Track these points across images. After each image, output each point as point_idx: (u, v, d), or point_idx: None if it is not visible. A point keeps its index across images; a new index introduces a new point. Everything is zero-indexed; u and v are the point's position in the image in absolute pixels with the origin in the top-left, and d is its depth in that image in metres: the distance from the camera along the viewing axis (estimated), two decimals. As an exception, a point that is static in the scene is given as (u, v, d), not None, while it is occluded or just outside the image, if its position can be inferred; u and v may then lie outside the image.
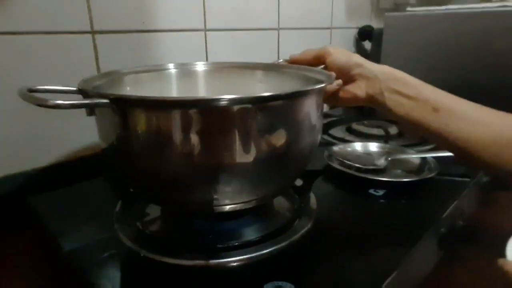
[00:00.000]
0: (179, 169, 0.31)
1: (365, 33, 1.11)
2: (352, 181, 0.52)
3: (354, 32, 1.13)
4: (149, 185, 0.35)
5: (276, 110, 0.32)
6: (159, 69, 0.51)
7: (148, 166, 0.32)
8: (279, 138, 0.33)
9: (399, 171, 0.58)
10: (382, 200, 0.49)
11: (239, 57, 0.78)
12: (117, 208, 0.43)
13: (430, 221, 0.43)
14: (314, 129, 0.37)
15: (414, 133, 0.46)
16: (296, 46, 0.93)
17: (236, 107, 0.29)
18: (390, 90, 0.46)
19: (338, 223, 0.44)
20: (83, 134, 0.57)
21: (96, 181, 0.53)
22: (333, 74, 0.48)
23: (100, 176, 0.53)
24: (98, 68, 0.58)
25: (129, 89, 0.47)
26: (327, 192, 0.51)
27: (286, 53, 0.82)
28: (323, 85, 0.35)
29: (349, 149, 0.63)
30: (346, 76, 0.48)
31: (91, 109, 0.32)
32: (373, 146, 0.65)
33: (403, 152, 0.62)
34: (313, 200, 0.46)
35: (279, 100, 0.32)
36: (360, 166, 0.55)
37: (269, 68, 0.52)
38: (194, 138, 0.30)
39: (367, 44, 1.16)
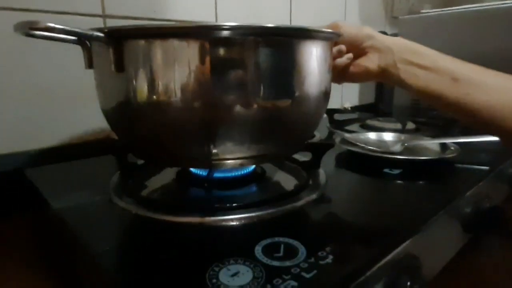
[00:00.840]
0: (177, 111, 0.29)
1: (379, 39, 1.09)
2: (366, 161, 0.49)
3: (368, 39, 1.12)
4: (146, 134, 0.33)
5: (282, 48, 0.30)
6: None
7: (145, 110, 0.30)
8: (284, 84, 0.31)
9: (417, 157, 0.54)
10: (397, 181, 0.45)
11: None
12: (114, 178, 0.42)
13: (450, 200, 0.39)
14: (321, 83, 0.35)
15: (432, 105, 0.43)
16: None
17: (238, 37, 0.27)
18: (404, 61, 0.43)
19: (346, 199, 0.40)
20: (89, 119, 0.56)
21: (98, 160, 0.51)
22: (343, 48, 0.46)
23: (102, 155, 0.52)
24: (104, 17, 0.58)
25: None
26: (339, 172, 0.48)
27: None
28: (331, 32, 0.33)
29: (362, 137, 0.60)
30: (357, 49, 0.46)
31: (88, 54, 0.31)
32: (388, 136, 0.61)
33: (421, 139, 0.58)
34: (322, 177, 0.43)
35: (285, 35, 0.30)
36: (374, 148, 0.52)
37: None
38: (194, 74, 0.28)
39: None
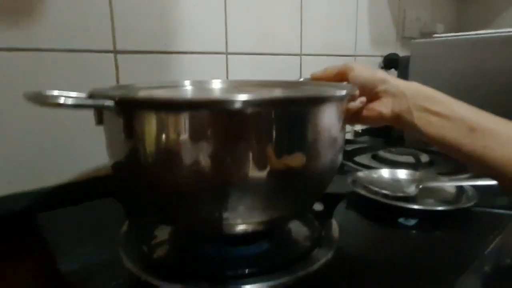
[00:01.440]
0: (187, 179, 0.28)
1: (390, 61, 1.08)
2: (380, 209, 0.48)
3: (379, 60, 1.11)
4: (155, 198, 0.32)
5: (294, 115, 0.29)
6: (175, 86, 0.50)
7: (155, 176, 0.29)
8: (297, 149, 0.30)
9: (431, 200, 0.53)
10: (413, 231, 0.44)
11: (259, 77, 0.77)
12: (124, 228, 0.41)
13: (471, 257, 0.37)
14: (335, 142, 0.34)
15: (446, 154, 0.42)
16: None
17: (251, 109, 0.27)
18: (419, 107, 0.42)
19: (363, 256, 0.39)
20: (96, 154, 0.56)
21: (106, 201, 0.51)
22: (357, 102, 0.45)
23: (111, 197, 0.51)
24: (116, 68, 0.58)
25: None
26: (351, 220, 0.47)
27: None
28: (344, 91, 0.32)
29: (375, 175, 0.59)
30: (370, 92, 0.45)
31: (98, 114, 0.30)
32: (402, 173, 0.59)
33: (436, 180, 0.56)
34: (335, 228, 0.42)
35: (298, 104, 0.29)
36: (387, 193, 0.50)
37: (289, 86, 0.50)
38: (204, 144, 0.27)
39: (393, 73, 1.13)
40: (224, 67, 0.71)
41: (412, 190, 0.52)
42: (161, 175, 0.29)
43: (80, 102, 0.25)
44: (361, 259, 0.38)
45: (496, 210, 0.50)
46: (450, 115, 0.40)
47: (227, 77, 0.72)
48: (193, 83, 0.51)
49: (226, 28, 0.70)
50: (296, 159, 0.30)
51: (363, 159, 0.73)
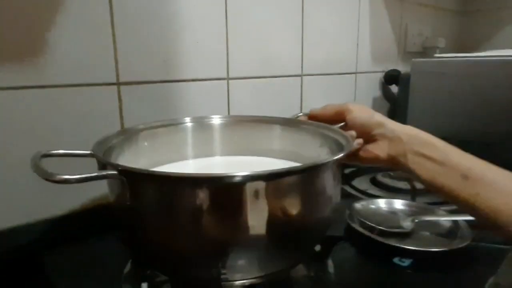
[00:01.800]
0: (185, 243, 0.30)
1: (391, 78, 1.09)
2: (375, 247, 0.49)
3: (379, 76, 1.11)
4: (155, 255, 0.33)
5: (290, 183, 0.30)
6: (176, 123, 0.51)
7: (155, 238, 0.31)
8: (293, 212, 0.31)
9: (427, 233, 0.54)
10: (408, 271, 0.45)
11: (261, 104, 0.78)
12: (126, 269, 0.42)
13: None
14: (331, 200, 0.35)
15: (440, 197, 0.43)
16: (320, 92, 0.92)
17: (247, 184, 0.28)
18: (414, 152, 0.43)
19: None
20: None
21: (110, 236, 0.52)
22: (353, 134, 0.46)
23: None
24: (121, 117, 0.59)
25: (146, 144, 0.47)
26: (347, 258, 0.48)
27: (309, 100, 0.82)
28: (340, 155, 0.33)
29: (372, 206, 0.60)
30: (367, 135, 0.46)
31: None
32: (399, 204, 0.61)
33: (432, 214, 0.57)
34: (331, 268, 0.43)
35: (293, 175, 0.30)
36: (383, 229, 0.51)
37: (288, 123, 0.51)
38: (202, 213, 0.28)
39: (394, 88, 1.14)
40: (226, 92, 0.72)
41: (408, 225, 0.53)
42: (160, 238, 0.30)
43: (85, 176, 0.27)
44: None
45: (490, 245, 0.51)
46: (444, 161, 0.41)
47: (228, 102, 0.73)
48: (193, 120, 0.52)
49: (227, 54, 0.71)
50: (292, 221, 0.31)
51: (361, 183, 0.74)
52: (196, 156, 0.52)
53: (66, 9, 0.51)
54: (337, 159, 0.33)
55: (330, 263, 0.44)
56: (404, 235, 0.51)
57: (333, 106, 0.50)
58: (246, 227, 0.29)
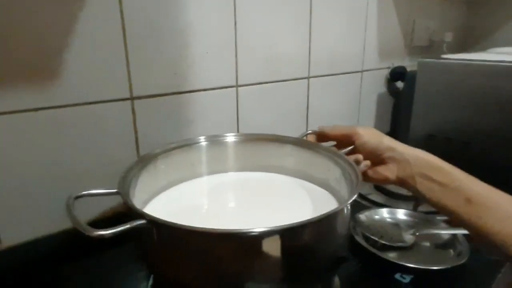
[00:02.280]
0: (206, 283, 0.33)
1: (397, 75, 1.09)
2: (378, 262, 0.52)
3: (385, 72, 1.11)
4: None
5: (304, 232, 0.33)
6: (191, 143, 0.53)
7: (178, 276, 0.34)
8: (306, 253, 0.34)
9: (427, 244, 0.57)
10: (409, 287, 0.48)
11: (269, 109, 0.79)
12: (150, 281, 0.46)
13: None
14: (342, 234, 0.37)
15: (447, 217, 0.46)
16: (326, 93, 0.93)
17: (264, 238, 0.30)
18: (421, 175, 0.46)
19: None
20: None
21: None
22: (360, 157, 0.48)
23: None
24: (135, 131, 0.61)
25: (163, 168, 0.49)
26: (352, 273, 0.51)
27: (316, 102, 0.83)
28: (352, 199, 0.35)
29: (376, 216, 0.63)
30: (377, 158, 0.48)
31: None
32: (401, 214, 0.64)
33: (432, 226, 0.60)
34: (337, 284, 0.46)
35: (308, 228, 0.32)
36: (386, 243, 0.55)
37: (299, 143, 0.53)
38: (222, 260, 0.31)
39: (399, 83, 1.14)
40: (235, 99, 0.74)
41: (409, 238, 0.56)
42: (183, 277, 0.33)
43: (118, 230, 0.29)
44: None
45: (487, 259, 0.54)
46: (449, 184, 0.44)
47: (237, 108, 0.74)
48: (207, 139, 0.54)
49: (236, 62, 0.72)
50: (306, 260, 0.34)
51: (366, 189, 0.77)
52: (210, 173, 0.55)
53: (78, 30, 0.52)
54: (348, 206, 0.35)
55: (336, 280, 0.47)
56: (406, 248, 0.55)
57: (341, 129, 0.52)
58: (262, 270, 0.32)
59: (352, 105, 1.05)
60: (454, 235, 0.57)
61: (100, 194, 0.37)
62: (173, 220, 0.40)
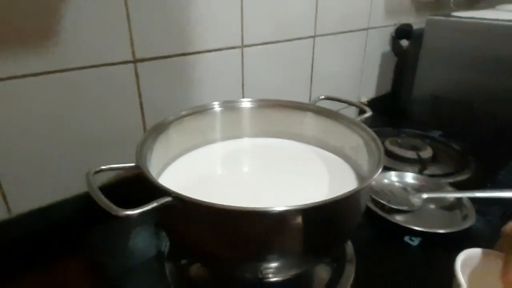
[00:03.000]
0: (231, 255, 0.33)
1: (403, 32, 1.06)
2: (387, 225, 0.53)
3: (390, 30, 1.08)
4: (200, 257, 0.37)
5: (325, 212, 0.32)
6: (203, 110, 0.51)
7: (203, 247, 0.34)
8: (327, 228, 0.34)
9: (433, 206, 0.59)
10: (418, 250, 0.50)
11: (275, 70, 0.77)
12: (167, 247, 0.46)
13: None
14: (362, 207, 0.38)
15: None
16: (331, 52, 0.90)
17: (287, 215, 0.30)
18: None
19: (378, 278, 0.45)
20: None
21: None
22: None
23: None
24: (139, 95, 0.58)
25: (175, 136, 0.48)
26: (362, 237, 0.52)
27: (321, 61, 0.81)
28: (373, 178, 0.35)
29: (385, 180, 0.64)
30: None
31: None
32: (409, 177, 0.65)
33: (439, 190, 0.62)
34: (350, 248, 0.48)
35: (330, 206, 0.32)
36: (394, 207, 0.56)
37: (319, 111, 0.51)
38: (245, 235, 0.31)
39: (404, 41, 1.11)
40: (240, 60, 0.71)
41: (416, 201, 0.58)
42: (208, 248, 0.33)
43: (145, 210, 0.28)
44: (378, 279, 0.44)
45: (493, 223, 0.55)
46: None
47: (242, 69, 0.72)
48: (222, 104, 0.52)
49: (242, 22, 0.68)
50: (327, 235, 0.34)
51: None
52: (224, 139, 0.54)
53: (77, -13, 0.47)
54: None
55: (349, 244, 0.48)
56: (414, 211, 0.56)
57: None
58: (285, 243, 0.32)
59: (356, 65, 1.02)
60: (460, 198, 0.58)
61: (119, 168, 0.36)
62: (191, 192, 0.40)
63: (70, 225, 0.54)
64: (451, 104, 0.95)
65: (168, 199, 0.30)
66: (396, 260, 0.49)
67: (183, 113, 0.48)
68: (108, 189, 0.56)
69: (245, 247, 0.32)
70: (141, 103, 0.59)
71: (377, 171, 0.35)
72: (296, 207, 0.29)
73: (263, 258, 0.33)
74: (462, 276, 0.33)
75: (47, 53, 0.48)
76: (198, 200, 0.29)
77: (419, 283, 0.45)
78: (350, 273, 0.44)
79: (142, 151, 0.37)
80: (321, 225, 0.32)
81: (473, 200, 0.57)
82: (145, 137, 0.40)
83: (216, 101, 0.55)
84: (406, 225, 0.52)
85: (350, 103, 0.55)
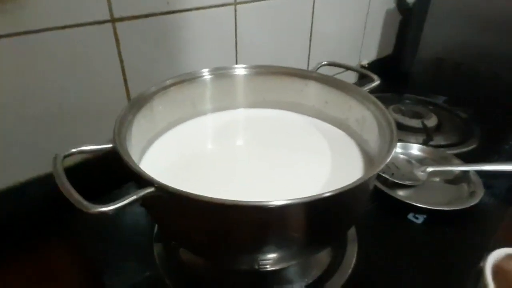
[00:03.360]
0: (224, 247, 0.30)
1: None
2: (391, 202, 0.50)
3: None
4: (191, 247, 0.33)
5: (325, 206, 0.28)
6: (192, 78, 0.45)
7: (192, 238, 0.30)
8: (330, 217, 0.31)
9: (437, 179, 0.56)
10: (422, 227, 0.47)
11: (269, 32, 0.70)
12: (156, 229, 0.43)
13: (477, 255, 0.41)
14: (369, 194, 0.34)
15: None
16: (332, 9, 0.82)
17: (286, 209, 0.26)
18: None
19: (381, 259, 0.43)
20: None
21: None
22: None
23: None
24: (120, 60, 0.52)
25: (161, 109, 0.43)
26: (365, 213, 0.49)
27: (321, 20, 0.74)
28: (381, 167, 0.30)
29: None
30: None
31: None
32: (414, 149, 0.61)
33: (445, 162, 0.58)
34: (351, 228, 0.45)
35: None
36: (399, 182, 0.53)
37: (323, 80, 0.46)
38: (241, 230, 0.27)
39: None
40: (233, 19, 0.64)
41: (421, 175, 0.54)
42: (198, 239, 0.30)
43: (123, 204, 0.24)
44: (379, 265, 0.42)
45: (499, 201, 0.52)
46: None
47: (235, 30, 0.65)
48: (212, 72, 0.47)
49: (235, -27, 0.60)
50: (330, 224, 0.31)
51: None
52: (216, 110, 0.49)
53: None
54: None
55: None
56: (418, 188, 0.53)
57: None
58: (284, 237, 0.29)
59: (358, 24, 0.95)
60: (467, 172, 0.55)
61: (92, 151, 0.31)
62: (178, 175, 0.36)
63: (48, 207, 0.50)
64: (456, 67, 0.89)
65: (151, 189, 0.26)
66: (400, 239, 0.46)
67: (168, 82, 0.42)
68: (83, 168, 0.53)
69: (239, 241, 0.29)
70: (123, 70, 0.53)
71: (389, 155, 0.30)
72: (298, 201, 0.25)
73: (260, 250, 0.29)
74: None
75: (12, 10, 0.41)
76: (185, 192, 0.25)
77: (424, 264, 0.42)
78: (352, 254, 0.42)
79: (120, 130, 0.32)
80: (325, 217, 0.29)
81: (480, 172, 0.54)
82: (124, 112, 0.35)
83: (206, 67, 0.49)
84: (411, 202, 0.49)
85: (356, 70, 0.50)
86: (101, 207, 0.23)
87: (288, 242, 0.30)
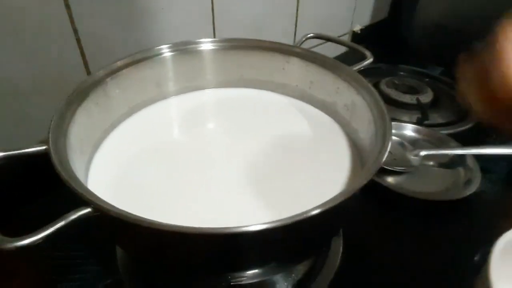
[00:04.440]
0: (184, 270, 0.25)
1: None
2: (381, 190, 0.46)
3: None
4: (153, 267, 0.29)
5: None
6: (151, 56, 0.39)
7: (150, 260, 0.26)
8: (312, 233, 0.26)
9: (431, 163, 0.52)
10: (414, 219, 0.44)
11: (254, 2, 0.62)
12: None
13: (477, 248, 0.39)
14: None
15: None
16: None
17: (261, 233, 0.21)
18: None
19: (370, 249, 0.40)
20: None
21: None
22: None
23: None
24: (75, 32, 0.45)
25: (118, 92, 0.36)
26: (354, 206, 0.45)
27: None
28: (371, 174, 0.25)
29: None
30: None
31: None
32: (408, 129, 0.57)
33: (440, 144, 0.54)
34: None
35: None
36: (389, 168, 0.48)
37: (307, 57, 0.39)
38: (197, 257, 0.23)
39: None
40: (208, -17, 0.55)
41: (415, 159, 0.50)
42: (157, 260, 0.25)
43: (53, 230, 0.19)
44: (368, 253, 0.39)
45: (495, 191, 0.49)
46: None
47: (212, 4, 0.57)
48: (174, 47, 0.40)
49: None
50: (313, 236, 0.26)
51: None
52: (181, 91, 0.42)
53: None
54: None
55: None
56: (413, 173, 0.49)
57: None
58: (259, 256, 0.24)
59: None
60: (463, 156, 0.51)
61: (20, 155, 0.25)
62: (135, 177, 0.31)
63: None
64: (456, 35, 0.83)
65: (86, 210, 0.21)
66: (391, 231, 0.43)
67: (119, 63, 0.35)
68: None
69: (200, 265, 0.24)
70: (78, 41, 0.45)
71: (382, 157, 0.25)
72: (275, 225, 0.20)
73: (228, 272, 0.25)
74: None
75: None
76: (129, 215, 0.20)
77: (417, 258, 0.39)
78: (337, 249, 0.38)
79: (59, 124, 0.26)
80: (304, 234, 0.24)
81: (477, 155, 0.50)
82: (66, 102, 0.29)
83: (178, 39, 0.42)
84: (402, 192, 0.45)
85: (346, 45, 0.43)
86: (19, 242, 0.18)
87: (261, 262, 0.25)
